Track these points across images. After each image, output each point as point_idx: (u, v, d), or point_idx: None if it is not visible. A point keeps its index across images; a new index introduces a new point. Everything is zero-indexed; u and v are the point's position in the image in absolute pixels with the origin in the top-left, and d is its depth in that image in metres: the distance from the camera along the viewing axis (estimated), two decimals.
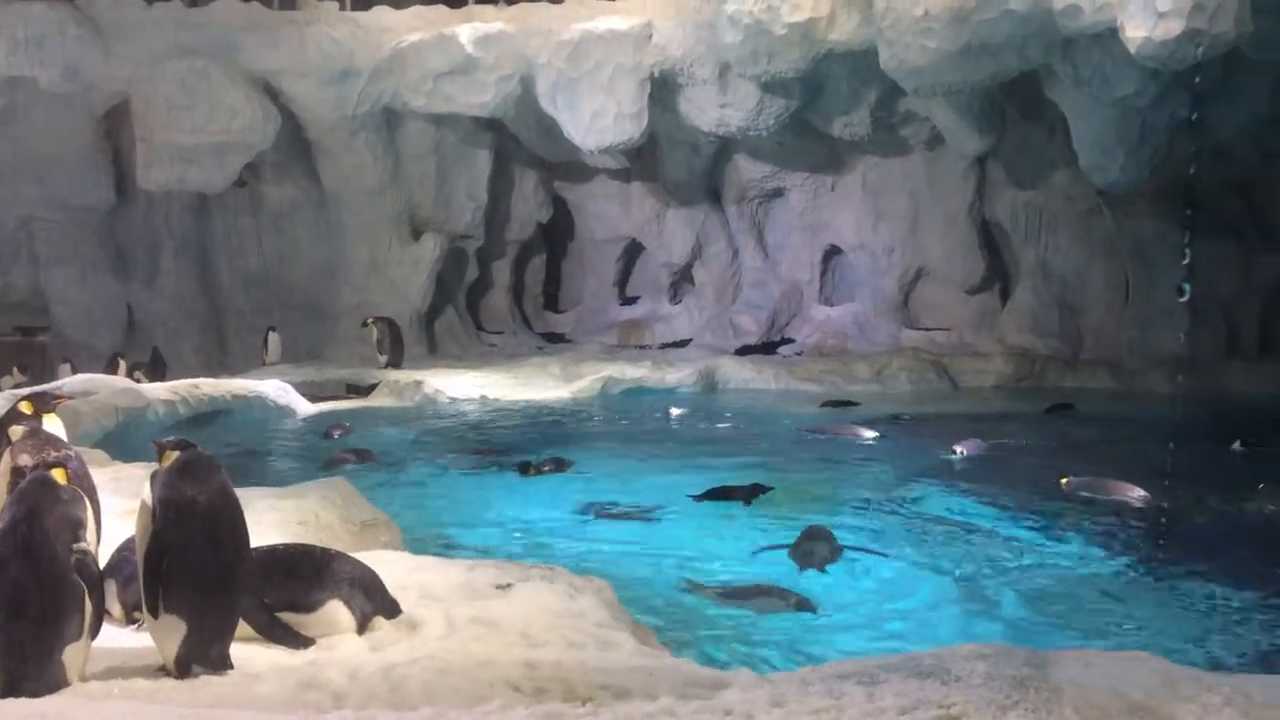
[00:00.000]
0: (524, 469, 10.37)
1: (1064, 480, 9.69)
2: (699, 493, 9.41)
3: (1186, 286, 15.57)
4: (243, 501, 4.64)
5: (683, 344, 20.40)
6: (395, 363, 17.27)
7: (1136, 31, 11.29)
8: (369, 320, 17.70)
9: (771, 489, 9.39)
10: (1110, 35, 12.11)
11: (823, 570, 7.41)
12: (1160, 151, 14.83)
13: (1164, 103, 13.84)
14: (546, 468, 10.39)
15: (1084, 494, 9.39)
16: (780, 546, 7.90)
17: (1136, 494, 9.18)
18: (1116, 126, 14.44)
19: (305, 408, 14.41)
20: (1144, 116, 14.22)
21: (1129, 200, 16.70)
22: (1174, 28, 11.03)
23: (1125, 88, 13.47)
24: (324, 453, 11.65)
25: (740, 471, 10.20)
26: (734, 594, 6.81)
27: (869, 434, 12.39)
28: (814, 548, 7.71)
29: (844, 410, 14.56)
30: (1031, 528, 8.47)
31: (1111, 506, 9.01)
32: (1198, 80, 12.72)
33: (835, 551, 7.70)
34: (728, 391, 16.48)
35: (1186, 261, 15.01)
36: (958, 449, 11.13)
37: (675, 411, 14.07)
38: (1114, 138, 14.57)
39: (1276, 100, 14.68)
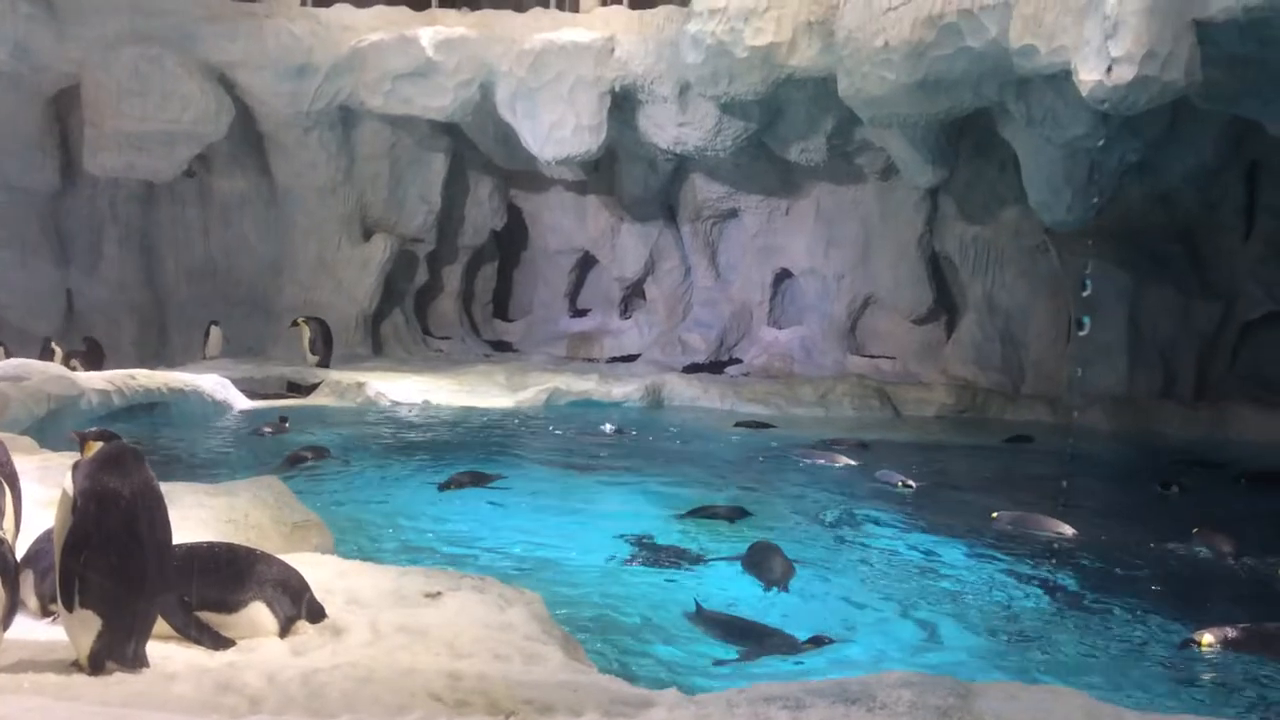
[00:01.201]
0: (443, 485, 10.06)
1: (994, 515, 9.80)
2: (684, 511, 9.50)
3: (1086, 320, 15.99)
4: (171, 498, 4.56)
5: (631, 359, 20.39)
6: (325, 363, 17.10)
7: (1089, 75, 11.46)
8: (299, 320, 17.51)
9: (752, 514, 9.44)
10: (1063, 77, 12.30)
11: (786, 589, 7.48)
12: (1107, 193, 15.07)
13: (1113, 146, 14.07)
14: (465, 482, 10.13)
15: (1011, 529, 9.50)
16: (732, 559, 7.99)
17: (1064, 530, 9.31)
18: (1066, 166, 14.65)
19: (243, 404, 14.20)
20: (1093, 158, 14.45)
21: (1075, 239, 16.97)
22: (1126, 73, 11.21)
23: (1076, 129, 13.68)
24: (259, 450, 11.51)
25: (672, 489, 10.23)
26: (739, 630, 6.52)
27: (852, 462, 12.24)
28: (774, 565, 7.77)
29: (761, 432, 14.66)
30: (966, 558, 8.54)
31: (1040, 541, 9.11)
32: (1148, 128, 13.00)
33: (790, 569, 7.76)
34: (671, 408, 16.48)
35: (1087, 294, 15.40)
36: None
37: (608, 428, 13.92)
38: (1063, 177, 14.79)
39: (1220, 151, 15.03)
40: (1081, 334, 16.29)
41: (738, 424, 15.15)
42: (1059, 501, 10.26)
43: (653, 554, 8.18)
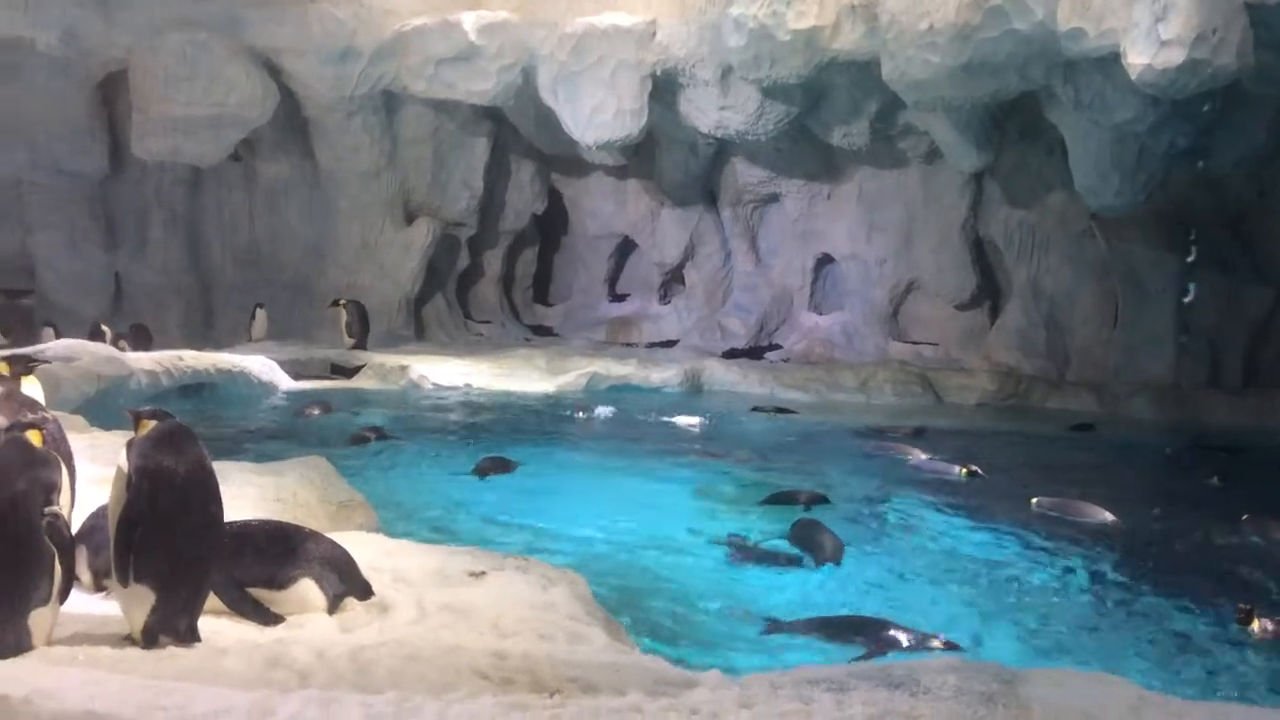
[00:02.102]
0: (477, 473, 9.83)
1: (1034, 501, 9.70)
2: (763, 498, 9.40)
3: (1192, 287, 15.73)
4: (220, 475, 4.62)
5: (670, 344, 20.39)
6: (361, 345, 17.27)
7: (1139, 58, 11.32)
8: (340, 301, 17.67)
9: (830, 502, 9.31)
10: (1112, 60, 12.15)
11: (839, 564, 7.47)
12: (1156, 178, 14.88)
13: (1162, 130, 13.88)
14: (488, 469, 9.87)
15: (1053, 514, 9.42)
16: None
17: (1105, 516, 9.22)
18: (1114, 151, 14.47)
19: (289, 385, 14.35)
20: (1142, 142, 14.26)
21: (1122, 224, 16.76)
22: (1176, 57, 11.06)
23: (1125, 113, 13.51)
24: (303, 431, 11.66)
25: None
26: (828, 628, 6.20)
27: (926, 456, 11.74)
28: (824, 541, 7.74)
29: (782, 417, 14.57)
30: (1015, 545, 8.48)
31: (1081, 528, 9.03)
32: (1206, 109, 12.78)
33: (840, 545, 7.75)
34: (711, 394, 16.47)
35: (1191, 258, 15.23)
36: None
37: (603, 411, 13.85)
38: (1110, 162, 14.61)
39: (1273, 135, 14.75)
40: (1186, 300, 16.01)
41: (754, 409, 15.07)
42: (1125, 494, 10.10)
43: (743, 550, 7.94)
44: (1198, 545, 8.72)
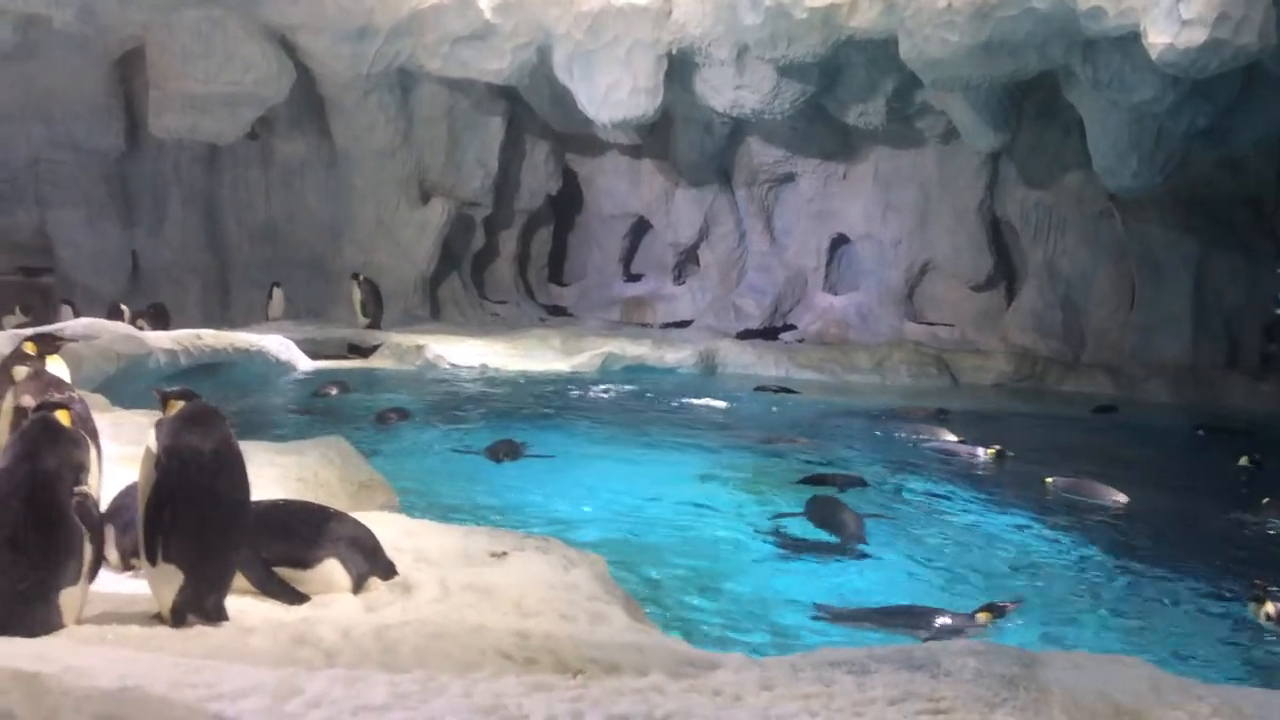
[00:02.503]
0: (492, 457, 9.69)
1: (1048, 480, 9.74)
2: (801, 478, 9.39)
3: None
4: (243, 456, 4.65)
5: (684, 324, 20.39)
6: (375, 324, 17.35)
7: (1159, 38, 11.26)
8: (357, 275, 17.71)
9: (868, 484, 9.29)
10: (1132, 39, 12.07)
11: (864, 541, 7.52)
12: (1175, 159, 14.80)
13: (1182, 110, 13.80)
14: (500, 453, 9.73)
15: (1066, 495, 9.43)
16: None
17: (1118, 497, 9.23)
18: (1132, 131, 14.39)
19: (306, 365, 14.42)
20: (1161, 123, 14.18)
21: (1140, 205, 16.68)
22: (1197, 36, 11.00)
23: (1144, 93, 13.43)
24: (321, 410, 11.73)
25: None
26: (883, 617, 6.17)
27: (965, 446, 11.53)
28: (845, 519, 7.77)
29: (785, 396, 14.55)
30: (1021, 526, 8.50)
31: (1094, 508, 9.03)
32: (1224, 91, 12.69)
33: (861, 522, 7.78)
34: (725, 375, 16.48)
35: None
36: None
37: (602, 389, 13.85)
38: (1129, 142, 14.53)
39: None
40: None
41: (758, 388, 15.15)
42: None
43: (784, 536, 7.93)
44: (1218, 528, 8.72)
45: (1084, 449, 11.88)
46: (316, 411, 11.72)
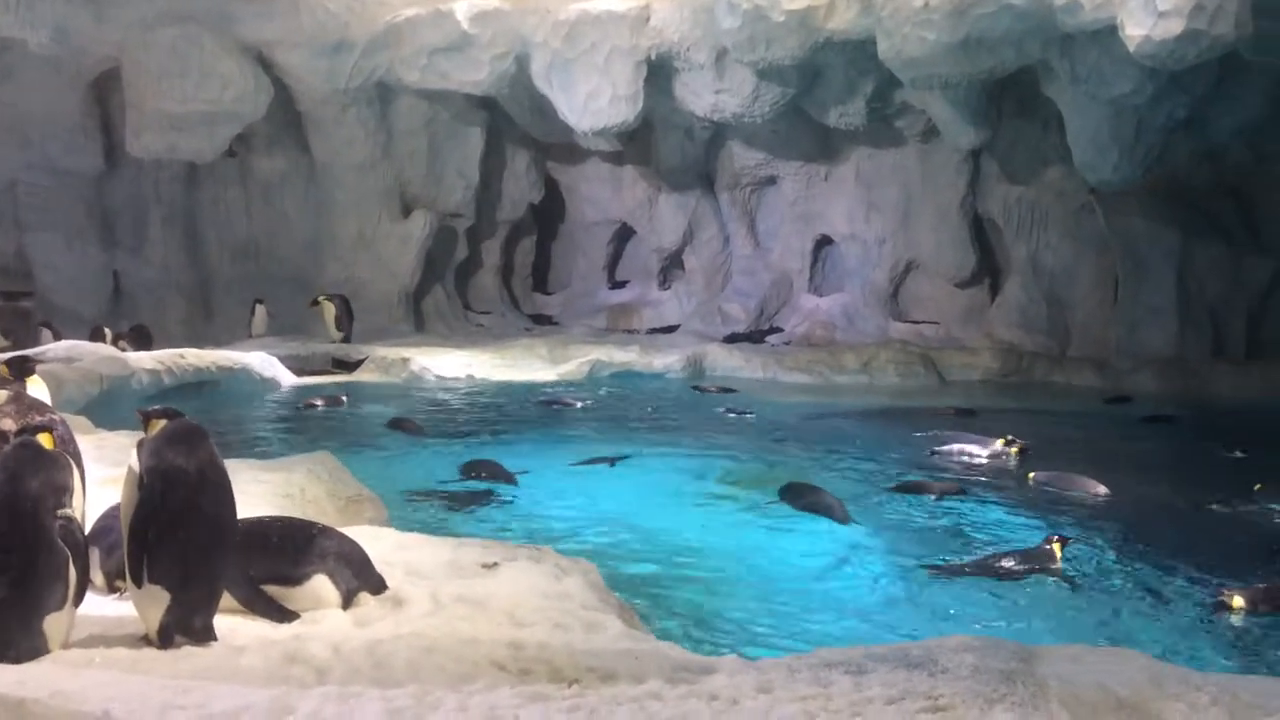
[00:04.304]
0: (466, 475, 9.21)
1: (1030, 475, 9.76)
2: (892, 485, 9.36)
3: None
4: (229, 473, 4.60)
5: (671, 330, 20.38)
6: (349, 338, 17.32)
7: (1136, 30, 11.30)
8: (320, 299, 17.64)
9: (963, 492, 9.21)
10: (1109, 33, 12.12)
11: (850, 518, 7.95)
12: (1154, 151, 14.86)
13: (1160, 102, 13.86)
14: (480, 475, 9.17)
15: (1049, 488, 9.43)
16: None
17: (1099, 490, 9.26)
18: (1111, 125, 14.45)
19: (290, 380, 14.34)
20: (1139, 115, 14.23)
21: (1121, 199, 16.73)
22: (1174, 27, 11.04)
23: (1122, 86, 13.48)
24: (311, 425, 11.67)
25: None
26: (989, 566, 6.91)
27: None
28: (830, 500, 8.16)
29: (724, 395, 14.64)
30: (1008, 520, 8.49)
31: (1075, 501, 9.02)
32: (1201, 82, 12.73)
33: (840, 501, 8.19)
34: (711, 378, 16.44)
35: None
36: None
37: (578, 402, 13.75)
38: (1109, 136, 14.59)
39: (1272, 103, 14.72)
40: None
41: (694, 387, 15.29)
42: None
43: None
44: (1203, 517, 8.72)
45: (1098, 440, 11.86)
46: (303, 432, 11.63)
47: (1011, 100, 16.58)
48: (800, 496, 8.42)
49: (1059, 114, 15.23)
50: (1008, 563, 6.95)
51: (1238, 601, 6.34)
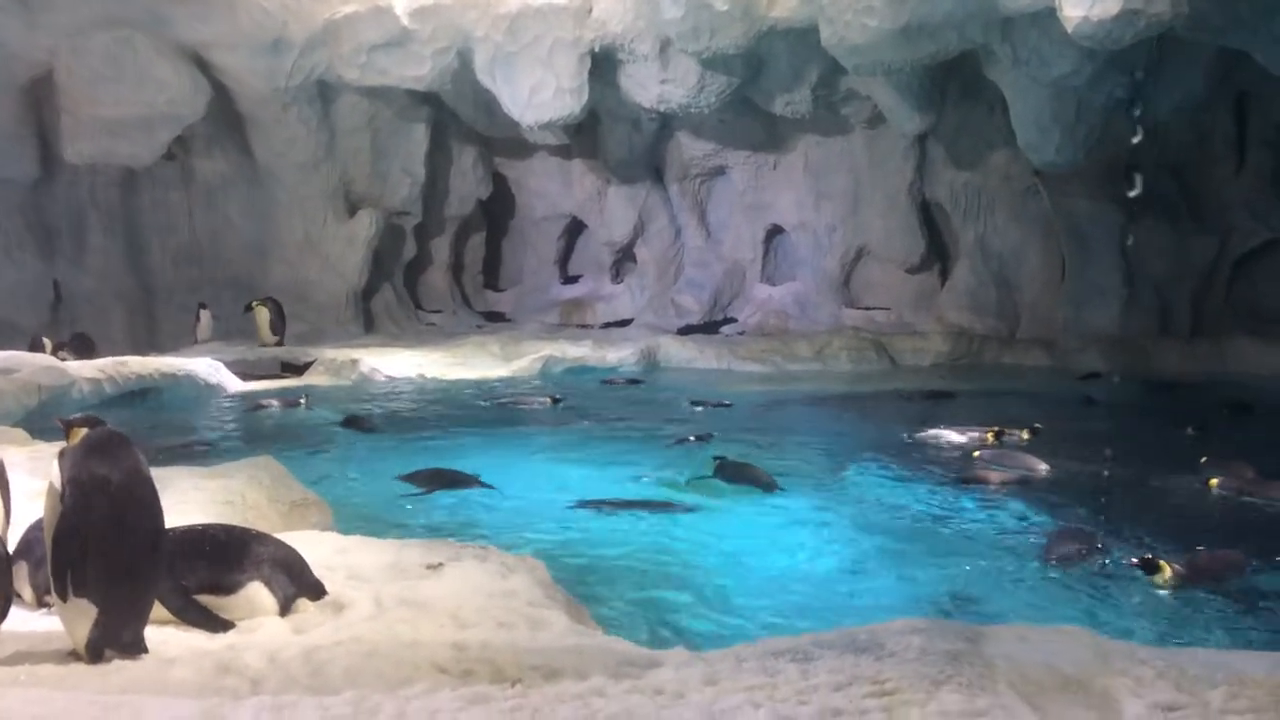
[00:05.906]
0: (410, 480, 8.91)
1: (975, 454, 9.87)
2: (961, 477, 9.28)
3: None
4: (167, 482, 4.50)
5: (625, 323, 20.31)
6: (283, 341, 17.16)
7: (1074, 11, 11.34)
8: (253, 304, 17.38)
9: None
10: (1048, 15, 12.16)
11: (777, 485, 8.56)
12: (1096, 131, 14.97)
13: (1100, 83, 13.95)
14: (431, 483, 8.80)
15: (993, 467, 9.47)
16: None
17: (1040, 467, 9.34)
18: (1053, 106, 14.54)
19: (236, 386, 14.12)
20: (1080, 96, 14.33)
21: (1065, 180, 16.87)
22: (1111, 8, 11.09)
23: (1062, 67, 13.56)
24: (258, 429, 11.52)
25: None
26: None
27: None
28: (756, 473, 8.75)
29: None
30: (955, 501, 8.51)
31: (1017, 479, 9.06)
32: (1140, 61, 12.83)
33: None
34: (667, 370, 16.41)
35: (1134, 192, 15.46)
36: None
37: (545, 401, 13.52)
38: (1051, 117, 14.68)
39: (1210, 82, 14.87)
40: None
41: (604, 381, 15.28)
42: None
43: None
44: (1151, 491, 8.79)
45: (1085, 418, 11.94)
46: (260, 425, 11.52)
47: (956, 85, 16.65)
48: (730, 470, 8.89)
49: (1003, 98, 15.29)
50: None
51: (1168, 571, 6.36)
